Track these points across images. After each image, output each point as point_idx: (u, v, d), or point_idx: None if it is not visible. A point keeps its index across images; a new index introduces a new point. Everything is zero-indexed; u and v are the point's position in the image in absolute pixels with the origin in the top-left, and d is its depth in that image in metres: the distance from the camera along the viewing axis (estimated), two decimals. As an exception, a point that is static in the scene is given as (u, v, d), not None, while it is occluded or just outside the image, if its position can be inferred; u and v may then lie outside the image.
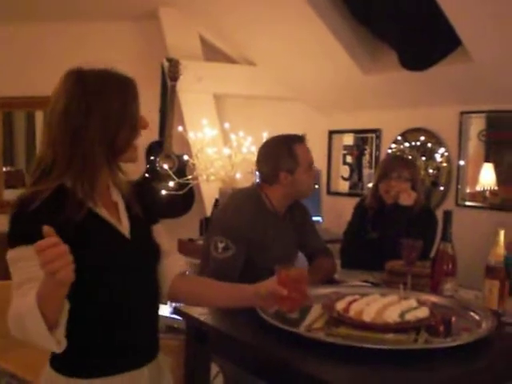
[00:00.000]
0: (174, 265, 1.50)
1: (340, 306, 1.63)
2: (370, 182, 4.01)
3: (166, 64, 4.16)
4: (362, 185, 4.41)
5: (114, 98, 1.30)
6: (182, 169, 4.23)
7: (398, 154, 4.01)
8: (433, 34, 3.20)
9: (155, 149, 4.26)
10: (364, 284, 2.23)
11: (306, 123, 4.43)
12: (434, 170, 3.90)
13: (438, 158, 3.87)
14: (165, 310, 2.58)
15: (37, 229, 1.05)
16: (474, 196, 3.65)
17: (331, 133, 4.62)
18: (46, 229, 1.04)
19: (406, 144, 4.04)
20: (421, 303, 1.66)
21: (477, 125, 3.64)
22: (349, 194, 4.45)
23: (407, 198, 2.57)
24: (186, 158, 4.18)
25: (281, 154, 2.21)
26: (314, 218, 2.79)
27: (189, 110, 4.38)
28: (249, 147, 4.10)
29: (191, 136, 4.18)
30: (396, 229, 2.47)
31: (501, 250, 1.88)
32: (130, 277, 1.34)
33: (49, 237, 1.04)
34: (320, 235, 2.50)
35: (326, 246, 2.48)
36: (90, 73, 1.31)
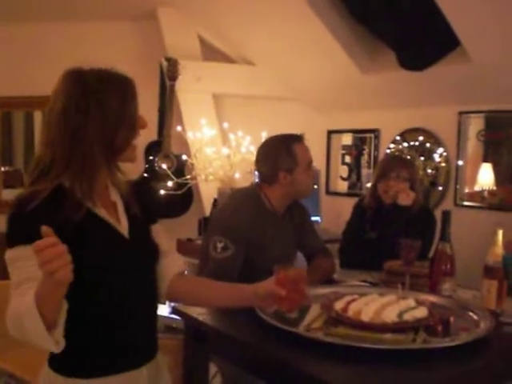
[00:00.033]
0: (172, 265, 1.50)
1: (338, 305, 1.63)
2: (368, 181, 4.01)
3: (165, 64, 4.16)
4: (360, 185, 4.41)
5: (112, 98, 1.30)
6: (180, 169, 4.23)
7: (397, 153, 4.01)
8: (431, 33, 3.20)
9: (154, 148, 4.26)
10: (363, 284, 2.24)
11: (304, 123, 4.42)
12: (432, 170, 3.90)
13: (436, 158, 3.87)
14: (163, 310, 2.58)
15: (35, 229, 1.05)
16: (473, 196, 3.66)
17: (330, 133, 4.62)
18: (45, 229, 1.04)
19: (405, 144, 4.04)
20: (419, 303, 1.66)
21: (475, 125, 3.65)
22: (347, 194, 4.45)
23: (406, 198, 2.57)
24: (184, 157, 4.17)
25: (280, 153, 2.21)
26: (313, 218, 2.79)
27: (187, 109, 4.38)
28: (247, 147, 4.10)
29: (190, 136, 4.18)
30: (394, 229, 2.47)
31: (499, 249, 1.88)
32: (130, 277, 1.34)
33: (47, 237, 1.04)
34: (319, 235, 2.50)
35: (325, 245, 2.48)
36: (89, 72, 1.31)
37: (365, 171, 4.37)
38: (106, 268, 1.30)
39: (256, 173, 2.54)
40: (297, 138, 2.26)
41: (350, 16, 3.59)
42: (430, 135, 3.88)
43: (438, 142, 3.84)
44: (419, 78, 3.47)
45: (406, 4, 3.23)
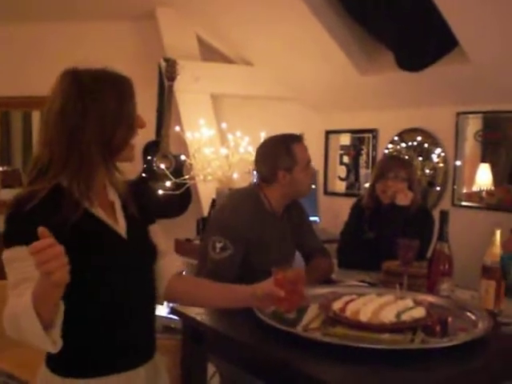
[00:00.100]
0: (170, 265, 1.50)
1: (337, 305, 1.63)
2: (366, 182, 4.01)
3: (163, 64, 4.16)
4: (358, 185, 4.42)
5: (110, 98, 1.30)
6: (179, 169, 4.23)
7: (395, 154, 4.02)
8: (429, 34, 3.21)
9: (152, 148, 4.25)
10: (361, 284, 2.24)
11: (302, 123, 4.43)
12: (430, 170, 3.91)
13: (434, 158, 3.87)
14: (162, 310, 2.58)
15: (33, 229, 1.05)
16: (471, 196, 3.66)
17: (328, 133, 4.62)
18: (41, 230, 1.04)
19: (403, 144, 4.05)
20: (417, 303, 1.66)
21: (473, 125, 3.65)
22: (346, 194, 4.46)
23: (404, 198, 2.57)
24: (183, 157, 4.17)
25: (279, 153, 2.21)
26: (311, 218, 2.79)
27: (186, 109, 4.37)
28: (246, 147, 4.10)
29: (188, 136, 4.18)
30: (393, 229, 2.47)
31: (497, 250, 1.88)
32: (130, 276, 1.34)
33: (44, 238, 1.04)
34: (317, 235, 2.50)
35: (323, 245, 2.48)
36: (87, 72, 1.31)
37: (363, 171, 4.38)
38: (106, 268, 1.30)
39: (255, 173, 2.55)
40: (296, 138, 2.27)
41: (347, 16, 3.60)
42: (428, 135, 3.88)
43: (435, 143, 3.84)
44: (417, 79, 3.47)
45: (404, 4, 3.23)
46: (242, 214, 2.17)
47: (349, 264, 2.59)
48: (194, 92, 4.38)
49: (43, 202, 1.23)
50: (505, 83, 3.21)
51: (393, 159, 3.10)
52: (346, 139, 4.53)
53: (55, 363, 1.31)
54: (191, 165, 4.11)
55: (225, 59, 4.71)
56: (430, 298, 1.85)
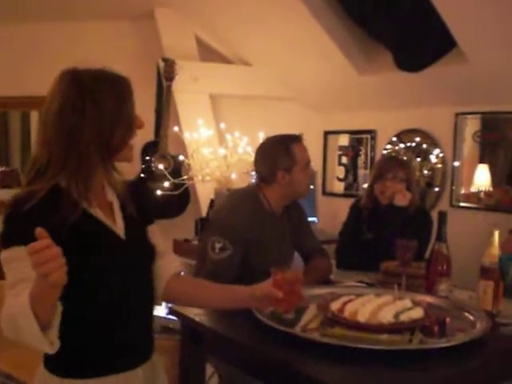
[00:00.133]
0: (169, 265, 1.50)
1: (335, 306, 1.63)
2: (365, 182, 4.02)
3: (162, 64, 4.16)
4: (357, 185, 4.42)
5: (108, 98, 1.29)
6: (177, 169, 4.23)
7: (393, 154, 4.02)
8: (428, 34, 3.21)
9: (150, 149, 4.25)
10: (359, 284, 2.24)
11: (301, 124, 4.43)
12: (428, 170, 3.91)
13: (432, 158, 3.88)
14: (160, 311, 2.58)
15: (31, 230, 1.04)
16: (469, 197, 3.66)
17: (326, 133, 4.62)
18: (39, 231, 1.04)
19: (401, 145, 4.05)
20: (415, 304, 1.66)
21: (472, 126, 3.65)
22: (344, 195, 4.46)
23: (402, 199, 2.58)
24: (181, 158, 4.17)
25: (278, 153, 2.21)
26: (310, 219, 2.79)
27: (184, 110, 4.37)
28: (244, 147, 4.10)
29: (187, 136, 4.18)
30: (391, 229, 2.48)
31: (495, 250, 1.88)
32: (129, 277, 1.34)
33: (41, 239, 1.03)
34: (316, 235, 2.50)
35: (322, 246, 2.48)
36: (85, 73, 1.31)
37: (361, 172, 4.38)
38: (104, 268, 1.30)
39: (254, 173, 2.55)
40: (295, 138, 2.27)
41: (346, 17, 3.60)
42: (426, 136, 3.89)
43: (434, 143, 3.84)
44: (416, 79, 3.48)
45: (403, 5, 3.23)
46: (241, 215, 2.17)
47: (347, 264, 2.59)
48: (192, 92, 4.38)
49: (41, 203, 1.23)
50: (503, 84, 3.21)
51: (391, 160, 3.10)
52: (344, 140, 4.54)
53: (53, 363, 1.30)
54: (189, 165, 4.11)
55: (223, 59, 4.71)
56: (429, 299, 1.85)
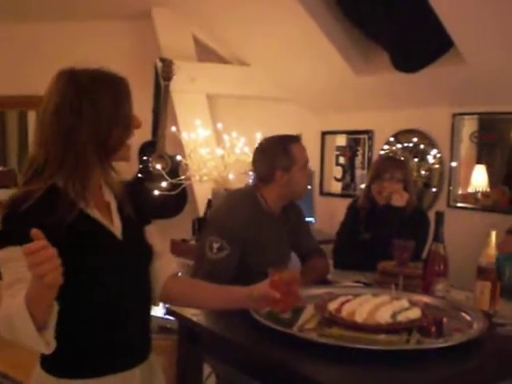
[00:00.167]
0: (166, 266, 1.50)
1: (332, 306, 1.63)
2: (362, 182, 4.02)
3: (160, 64, 4.16)
4: (354, 186, 4.42)
5: (105, 98, 1.29)
6: (174, 169, 4.22)
7: (391, 155, 4.02)
8: (425, 35, 3.21)
9: (148, 149, 4.25)
10: (356, 284, 2.24)
11: (299, 124, 4.43)
12: (426, 171, 3.91)
13: (430, 159, 3.88)
14: (158, 311, 2.58)
15: (27, 230, 1.04)
16: (466, 197, 3.67)
17: (324, 134, 4.62)
18: (34, 232, 1.03)
19: (399, 145, 4.05)
20: (413, 304, 1.66)
21: (469, 126, 3.66)
22: (341, 195, 4.46)
23: (399, 199, 2.58)
24: (178, 158, 4.16)
25: (276, 153, 2.21)
26: (307, 219, 2.79)
27: (182, 110, 4.37)
28: (242, 148, 4.10)
29: (184, 136, 4.17)
30: (388, 229, 2.48)
31: (492, 251, 1.89)
32: (125, 277, 1.34)
33: (37, 239, 1.03)
34: (313, 236, 2.50)
35: (320, 246, 2.49)
36: (82, 72, 1.31)
37: (359, 172, 4.38)
38: (101, 268, 1.30)
39: (251, 173, 2.55)
40: (294, 139, 2.28)
41: (344, 17, 3.60)
42: (423, 136, 3.89)
43: (431, 144, 3.85)
44: (413, 80, 3.48)
45: (400, 6, 3.23)
46: (238, 215, 2.16)
47: (344, 264, 2.59)
48: (190, 92, 4.38)
49: (39, 203, 1.23)
50: (500, 84, 3.21)
51: (388, 160, 3.10)
52: (341, 140, 4.53)
53: (50, 364, 1.30)
54: (187, 165, 4.11)
55: (221, 59, 4.71)
56: (426, 299, 1.85)
